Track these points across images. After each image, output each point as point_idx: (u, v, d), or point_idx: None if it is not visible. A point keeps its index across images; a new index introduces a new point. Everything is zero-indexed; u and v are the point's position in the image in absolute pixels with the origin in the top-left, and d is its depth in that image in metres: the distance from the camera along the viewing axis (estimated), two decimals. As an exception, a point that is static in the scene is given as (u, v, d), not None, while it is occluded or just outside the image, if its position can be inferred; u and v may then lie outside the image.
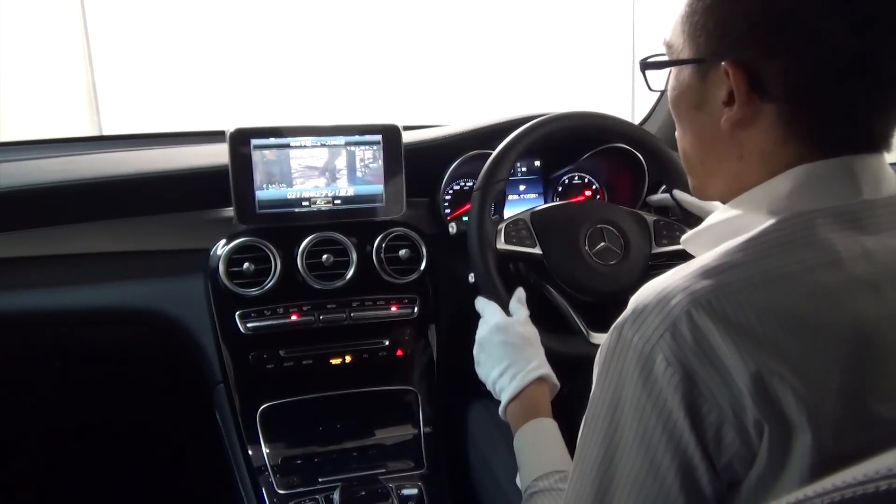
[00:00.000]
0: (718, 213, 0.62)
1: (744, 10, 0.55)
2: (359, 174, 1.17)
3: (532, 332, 0.96)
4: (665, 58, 0.65)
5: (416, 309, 1.21)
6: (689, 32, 0.60)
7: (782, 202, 0.56)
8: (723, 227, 0.60)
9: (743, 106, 0.56)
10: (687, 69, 0.61)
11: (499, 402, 0.92)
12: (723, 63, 0.56)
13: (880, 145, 0.57)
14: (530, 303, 1.00)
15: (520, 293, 1.01)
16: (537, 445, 0.85)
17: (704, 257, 0.54)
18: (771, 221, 0.55)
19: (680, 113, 0.64)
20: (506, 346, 0.92)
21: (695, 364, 0.49)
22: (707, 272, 0.52)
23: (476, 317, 1.00)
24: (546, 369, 0.91)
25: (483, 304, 1.00)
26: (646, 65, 0.68)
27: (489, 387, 0.94)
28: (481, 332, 0.96)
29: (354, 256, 1.16)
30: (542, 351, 0.94)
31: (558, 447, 0.84)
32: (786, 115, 0.55)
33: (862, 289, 0.51)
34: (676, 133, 0.67)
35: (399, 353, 1.22)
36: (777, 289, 0.50)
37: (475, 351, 0.96)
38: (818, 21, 0.52)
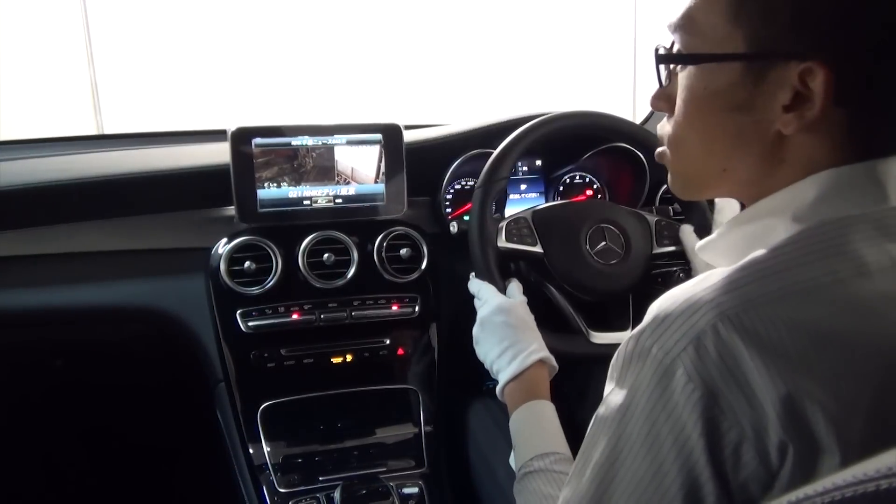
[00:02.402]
0: (737, 220, 0.59)
1: (829, 6, 0.49)
2: (360, 173, 1.17)
3: (530, 316, 0.95)
4: (682, 43, 0.57)
5: (416, 308, 1.21)
6: (741, 22, 0.52)
7: (808, 210, 0.53)
8: (743, 236, 0.57)
9: (821, 110, 0.50)
10: (731, 66, 0.53)
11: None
12: (805, 63, 0.50)
13: None
14: (531, 302, 1.00)
15: (517, 282, 1.01)
16: (534, 426, 0.84)
17: (731, 267, 0.52)
18: (798, 229, 0.52)
19: (706, 112, 0.57)
20: (507, 327, 0.92)
21: (718, 381, 0.47)
22: (734, 283, 0.49)
23: (475, 314, 1.00)
24: (545, 352, 0.90)
25: (478, 285, 1.00)
26: (666, 58, 0.59)
27: (487, 366, 0.93)
28: (483, 311, 0.95)
29: (355, 255, 1.16)
30: (539, 334, 0.93)
31: (555, 429, 0.83)
32: (858, 119, 0.52)
33: (891, 302, 0.48)
34: (681, 130, 0.60)
35: (400, 352, 1.22)
36: (807, 302, 0.48)
37: (475, 330, 0.95)
38: None
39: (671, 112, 0.61)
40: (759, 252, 0.52)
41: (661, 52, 0.60)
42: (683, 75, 0.58)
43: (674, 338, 0.49)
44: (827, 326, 0.47)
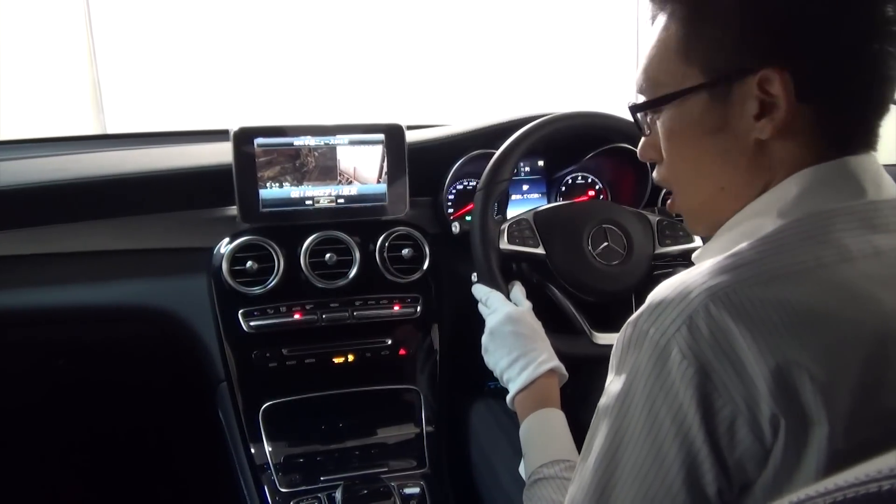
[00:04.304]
0: (727, 225, 0.63)
1: (763, 19, 0.55)
2: (362, 173, 1.17)
3: (538, 323, 0.96)
4: (648, 96, 0.63)
5: (418, 308, 1.21)
6: (691, 59, 0.59)
7: (792, 205, 0.56)
8: (735, 237, 0.60)
9: (787, 110, 0.55)
10: (696, 97, 0.59)
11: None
12: (761, 72, 0.55)
13: (873, 144, 0.58)
14: (534, 303, 1.00)
15: (520, 285, 1.02)
16: (544, 434, 0.85)
17: (721, 255, 0.55)
18: (784, 222, 0.55)
19: (690, 144, 0.62)
20: (517, 337, 0.92)
21: (710, 358, 0.50)
22: (724, 268, 0.53)
23: (478, 315, 1.00)
24: (556, 361, 0.91)
25: (485, 292, 1.00)
26: (638, 107, 0.65)
27: (497, 375, 0.94)
28: (492, 320, 0.95)
29: (357, 255, 1.16)
30: (549, 342, 0.94)
31: (565, 437, 0.84)
32: (822, 115, 0.56)
33: (875, 286, 0.51)
34: (675, 167, 0.64)
35: (402, 352, 1.22)
36: (793, 283, 0.51)
37: (484, 339, 0.96)
38: (841, 14, 0.53)
39: (660, 159, 0.66)
40: (748, 242, 0.55)
41: (634, 104, 0.66)
42: (661, 122, 0.64)
43: (668, 319, 0.52)
44: (813, 305, 0.50)
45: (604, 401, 0.58)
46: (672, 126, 0.62)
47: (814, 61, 0.54)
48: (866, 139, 0.58)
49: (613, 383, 0.57)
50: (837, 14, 0.54)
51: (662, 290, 0.54)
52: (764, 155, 0.58)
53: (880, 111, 0.57)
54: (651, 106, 0.64)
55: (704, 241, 1.09)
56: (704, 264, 0.54)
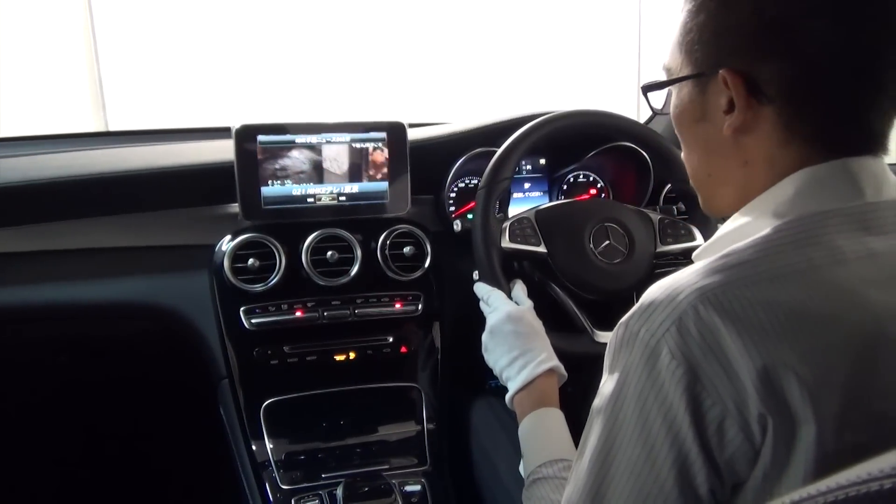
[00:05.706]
0: (727, 224, 0.64)
1: (735, 19, 0.57)
2: (364, 171, 1.18)
3: (539, 323, 0.96)
4: (665, 77, 0.67)
5: (420, 306, 1.21)
6: (686, 50, 0.62)
7: (787, 206, 0.57)
8: (732, 236, 0.60)
9: (743, 110, 0.57)
10: (687, 85, 0.63)
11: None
12: (720, 72, 0.57)
13: (879, 147, 0.58)
14: (535, 301, 1.00)
15: (521, 284, 1.02)
16: (542, 434, 0.85)
17: (713, 256, 0.55)
18: (778, 223, 0.56)
19: (684, 129, 0.66)
20: (517, 336, 0.92)
21: (699, 358, 0.50)
22: (715, 269, 0.53)
23: (480, 314, 1.00)
24: (555, 361, 0.91)
25: (486, 291, 1.00)
26: (647, 87, 0.70)
27: (496, 374, 0.94)
28: (493, 319, 0.96)
29: (359, 253, 1.16)
30: (549, 342, 0.94)
31: (564, 437, 0.84)
32: (785, 116, 0.57)
33: (868, 288, 0.51)
34: (683, 154, 0.69)
35: (403, 349, 1.22)
36: (783, 285, 0.51)
37: (485, 337, 0.96)
38: (806, 21, 0.54)
39: None
40: (740, 243, 0.55)
41: (644, 84, 0.71)
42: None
43: (658, 319, 0.52)
44: (802, 306, 0.50)
45: (597, 401, 0.58)
46: (673, 109, 0.66)
47: (770, 66, 0.55)
48: (868, 142, 0.57)
49: (606, 383, 0.57)
50: (799, 23, 0.54)
51: (653, 290, 0.55)
52: (740, 149, 0.60)
53: (872, 116, 0.56)
54: (653, 89, 0.69)
55: (705, 239, 1.09)
56: (696, 265, 0.55)
